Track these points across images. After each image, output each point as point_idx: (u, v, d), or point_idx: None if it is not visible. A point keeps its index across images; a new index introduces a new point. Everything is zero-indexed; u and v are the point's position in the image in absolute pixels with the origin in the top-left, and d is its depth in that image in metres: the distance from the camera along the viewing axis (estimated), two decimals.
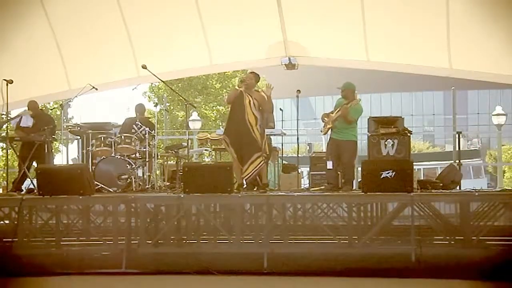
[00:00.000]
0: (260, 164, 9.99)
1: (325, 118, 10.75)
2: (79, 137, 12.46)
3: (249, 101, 10.05)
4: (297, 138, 11.62)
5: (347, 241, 9.00)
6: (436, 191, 10.23)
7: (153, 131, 11.63)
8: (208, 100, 32.12)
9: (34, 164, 11.64)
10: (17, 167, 12.25)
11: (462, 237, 8.97)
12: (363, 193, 9.05)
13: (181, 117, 30.75)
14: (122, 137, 11.29)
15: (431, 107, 58.59)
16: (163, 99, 30.22)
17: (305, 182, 13.44)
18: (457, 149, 13.58)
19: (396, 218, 9.66)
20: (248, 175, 9.96)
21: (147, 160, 11.39)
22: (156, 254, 8.87)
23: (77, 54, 13.20)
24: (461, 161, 11.83)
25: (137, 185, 11.12)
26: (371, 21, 12.17)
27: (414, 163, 9.34)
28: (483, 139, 50.24)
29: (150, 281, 8.38)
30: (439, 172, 11.64)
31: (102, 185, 10.82)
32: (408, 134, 10.83)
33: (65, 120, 14.59)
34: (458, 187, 10.87)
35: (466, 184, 13.02)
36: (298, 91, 11.47)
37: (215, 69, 18.17)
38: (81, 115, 33.74)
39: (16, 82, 11.06)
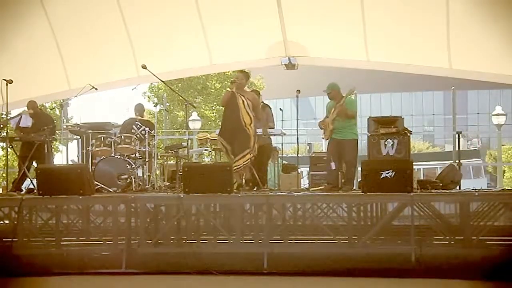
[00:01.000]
0: (248, 160, 10.16)
1: (322, 125, 10.76)
2: (79, 137, 12.45)
3: (242, 101, 10.20)
4: (297, 138, 11.61)
5: (347, 241, 8.99)
6: (436, 191, 10.23)
7: (153, 131, 11.63)
8: (208, 100, 32.11)
9: (34, 164, 11.63)
10: (17, 167, 12.24)
11: (462, 237, 8.94)
12: (363, 193, 9.04)
13: (181, 117, 30.75)
14: (122, 137, 11.28)
15: (431, 107, 58.60)
16: (163, 99, 30.18)
17: (305, 182, 13.44)
18: (457, 149, 13.58)
19: (396, 218, 9.65)
20: (237, 168, 10.06)
21: (147, 160, 11.39)
22: (156, 254, 8.87)
23: (77, 54, 13.20)
24: (461, 161, 11.81)
25: (137, 185, 11.12)
26: (371, 21, 12.18)
27: (414, 163, 9.33)
28: (483, 139, 50.26)
29: (150, 281, 8.37)
30: (439, 172, 11.64)
31: (102, 185, 10.81)
32: (408, 134, 10.82)
33: (65, 120, 14.59)
34: (458, 187, 10.87)
35: (466, 184, 13.02)
36: (298, 91, 11.46)
37: (215, 69, 18.17)
38: (81, 115, 33.74)
39: (16, 82, 11.05)
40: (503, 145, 34.26)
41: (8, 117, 11.97)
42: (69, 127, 12.52)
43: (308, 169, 12.72)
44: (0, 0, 11.99)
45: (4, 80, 10.90)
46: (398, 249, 8.78)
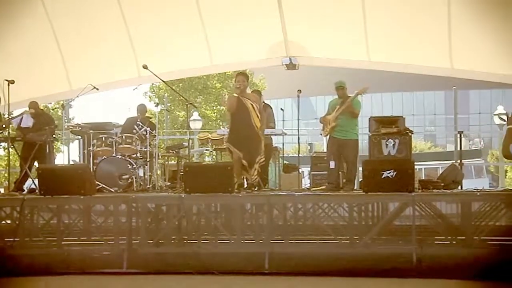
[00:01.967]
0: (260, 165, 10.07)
1: (324, 121, 10.74)
2: (80, 137, 12.46)
3: (251, 104, 9.98)
4: (298, 138, 11.62)
5: (348, 241, 9.00)
6: (437, 191, 10.21)
7: (154, 131, 11.63)
8: (209, 100, 32.15)
9: (36, 164, 11.64)
10: (19, 167, 12.25)
11: (463, 237, 8.94)
12: (364, 193, 9.04)
13: (182, 117, 30.78)
14: (123, 137, 11.29)
15: (432, 107, 58.52)
16: (164, 99, 30.23)
17: (306, 182, 13.43)
18: (458, 149, 13.56)
19: (397, 218, 9.65)
20: (256, 178, 10.00)
21: (148, 160, 11.39)
22: (157, 254, 8.87)
23: (78, 54, 13.21)
24: (462, 161, 11.81)
25: (138, 185, 11.12)
26: (372, 21, 12.16)
27: (415, 163, 9.32)
28: (484, 139, 50.19)
29: (151, 281, 8.38)
30: (441, 172, 11.62)
31: (103, 185, 10.82)
32: (409, 134, 10.82)
33: (66, 120, 14.60)
34: (459, 187, 10.86)
35: (468, 184, 12.99)
36: (299, 91, 11.46)
37: (216, 69, 18.16)
38: (82, 115, 33.74)
39: (18, 82, 11.07)
40: None
41: (10, 117, 11.98)
42: (71, 127, 12.53)
43: (309, 169, 12.72)
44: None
45: (6, 80, 10.92)
46: (399, 249, 8.78)
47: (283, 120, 12.33)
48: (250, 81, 26.58)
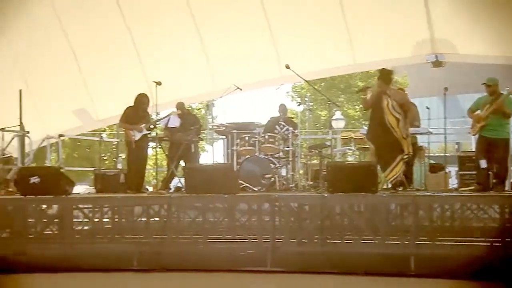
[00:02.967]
0: (403, 166, 9.78)
1: (473, 117, 10.34)
2: (224, 137, 12.69)
3: (387, 102, 9.73)
4: (445, 137, 11.30)
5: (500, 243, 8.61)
6: None
7: (296, 131, 11.65)
8: (351, 99, 31.89)
9: (182, 163, 11.95)
10: (166, 166, 12.63)
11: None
12: None
13: (324, 117, 30.69)
14: (266, 136, 11.38)
15: None
16: (306, 99, 30.28)
17: (453, 182, 13.02)
18: None
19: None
20: (393, 178, 9.75)
21: (290, 159, 11.42)
22: (299, 253, 8.85)
23: (221, 55, 13.49)
24: None
25: (281, 184, 11.17)
26: None
27: None
28: None
29: (294, 280, 8.37)
30: None
31: (247, 184, 10.94)
32: None
33: (211, 120, 14.92)
34: None
35: None
36: (445, 88, 11.14)
37: (359, 68, 17.96)
38: (225, 115, 34.31)
39: (164, 83, 11.42)
40: None
41: (157, 118, 12.38)
42: (215, 127, 12.78)
43: (456, 168, 12.33)
44: None
45: (154, 82, 11.29)
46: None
47: (428, 119, 12.03)
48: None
